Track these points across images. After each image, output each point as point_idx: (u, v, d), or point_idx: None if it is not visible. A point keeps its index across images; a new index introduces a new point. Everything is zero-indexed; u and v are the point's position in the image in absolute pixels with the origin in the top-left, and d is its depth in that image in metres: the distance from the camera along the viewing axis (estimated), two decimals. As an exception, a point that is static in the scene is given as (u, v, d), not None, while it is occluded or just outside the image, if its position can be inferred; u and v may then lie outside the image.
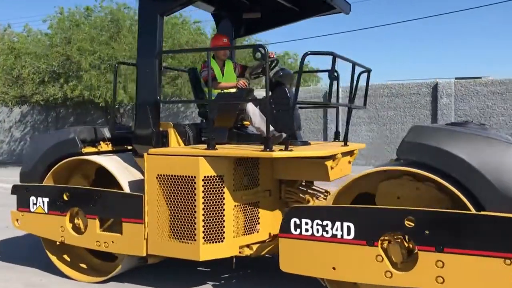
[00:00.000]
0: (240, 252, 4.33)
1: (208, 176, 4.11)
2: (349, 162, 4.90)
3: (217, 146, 4.29)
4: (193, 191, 4.11)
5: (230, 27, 5.85)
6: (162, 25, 4.52)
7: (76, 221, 4.75)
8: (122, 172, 4.62)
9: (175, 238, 4.21)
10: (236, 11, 5.76)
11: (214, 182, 4.13)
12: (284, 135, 4.58)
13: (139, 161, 4.71)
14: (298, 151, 4.05)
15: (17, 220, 5.03)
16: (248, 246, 4.39)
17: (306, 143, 4.79)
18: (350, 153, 4.83)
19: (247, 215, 4.38)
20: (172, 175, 4.20)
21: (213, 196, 4.13)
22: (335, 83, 5.46)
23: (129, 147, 5.31)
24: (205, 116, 5.11)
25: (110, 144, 5.14)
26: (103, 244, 4.52)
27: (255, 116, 4.75)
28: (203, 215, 4.09)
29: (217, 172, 4.14)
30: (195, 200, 4.11)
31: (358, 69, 4.76)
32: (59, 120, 18.82)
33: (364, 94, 5.18)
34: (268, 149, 3.94)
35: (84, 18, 16.18)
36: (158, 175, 4.26)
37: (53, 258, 4.99)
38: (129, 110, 17.36)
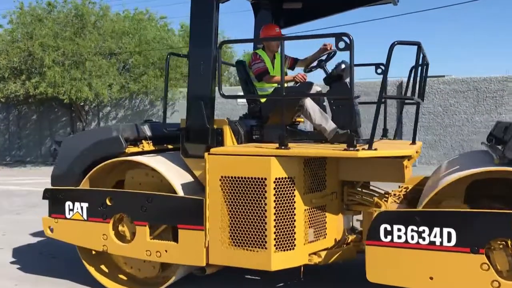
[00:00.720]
0: (309, 260, 3.98)
1: (279, 178, 3.74)
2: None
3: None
4: (263, 194, 3.74)
5: (269, 17, 5.49)
6: (218, 12, 4.13)
7: (120, 228, 4.30)
8: (174, 174, 4.20)
9: (241, 246, 3.83)
10: (276, 1, 5.41)
11: (285, 184, 3.77)
12: (349, 132, 4.25)
13: (190, 161, 4.32)
14: (383, 150, 3.73)
15: (50, 227, 4.54)
16: (316, 253, 4.05)
17: (368, 141, 4.46)
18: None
19: (316, 220, 4.03)
20: (238, 177, 3.81)
21: (284, 200, 3.77)
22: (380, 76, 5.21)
23: (169, 146, 4.92)
24: (256, 113, 4.72)
25: (151, 143, 4.70)
26: (155, 253, 4.09)
27: (315, 113, 4.39)
28: (274, 220, 3.73)
29: (288, 173, 3.78)
30: (265, 204, 3.74)
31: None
32: (21, 118, 18.21)
33: (422, 88, 4.86)
34: (352, 148, 3.60)
35: (47, 13, 15.65)
36: (221, 177, 3.87)
37: (91, 269, 4.53)
38: (94, 108, 16.90)
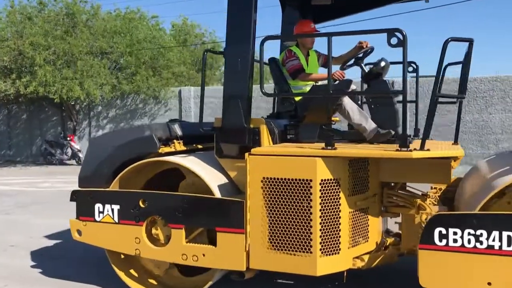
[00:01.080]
0: (353, 265, 3.85)
1: (325, 180, 3.60)
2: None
3: (316, 144, 3.80)
4: (309, 197, 3.59)
5: (297, 14, 5.35)
6: (256, 6, 3.99)
7: (154, 231, 4.15)
8: (209, 175, 4.05)
9: (284, 250, 3.69)
10: (305, -4, 5.27)
11: (331, 186, 3.63)
12: (392, 132, 4.13)
13: (225, 162, 4.18)
14: (436, 151, 3.59)
15: (78, 230, 4.37)
16: (359, 257, 3.91)
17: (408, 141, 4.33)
18: None
19: (359, 223, 3.90)
20: (281, 179, 3.67)
21: (330, 202, 3.63)
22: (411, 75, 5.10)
23: (200, 146, 4.78)
24: (290, 112, 4.58)
25: (182, 143, 4.54)
26: (192, 257, 3.94)
27: (354, 112, 4.26)
28: (320, 223, 3.59)
29: (334, 174, 3.64)
30: (310, 206, 3.59)
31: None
32: (11, 118, 17.98)
33: (463, 84, 4.71)
34: (406, 149, 3.46)
35: (38, 12, 15.47)
36: (263, 178, 3.72)
37: (121, 274, 4.36)
38: (85, 107, 16.75)
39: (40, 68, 13.63)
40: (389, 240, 4.35)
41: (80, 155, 15.67)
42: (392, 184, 4.30)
